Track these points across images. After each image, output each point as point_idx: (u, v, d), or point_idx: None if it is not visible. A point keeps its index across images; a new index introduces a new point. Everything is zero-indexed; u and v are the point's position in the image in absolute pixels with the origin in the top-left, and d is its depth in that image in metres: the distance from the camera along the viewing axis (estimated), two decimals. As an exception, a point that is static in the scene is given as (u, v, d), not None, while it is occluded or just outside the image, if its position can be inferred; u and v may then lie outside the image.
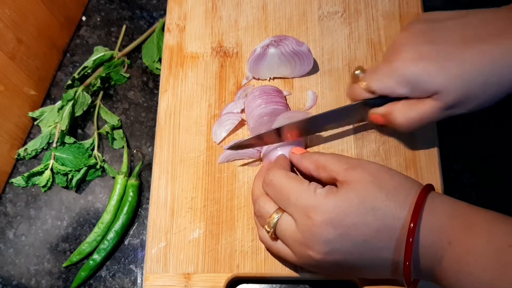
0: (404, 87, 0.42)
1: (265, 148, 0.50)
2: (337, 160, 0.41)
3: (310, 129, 0.48)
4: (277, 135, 0.46)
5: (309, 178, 0.43)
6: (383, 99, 0.44)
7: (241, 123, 0.52)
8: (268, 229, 0.41)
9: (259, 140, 0.47)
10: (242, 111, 0.52)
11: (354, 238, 0.37)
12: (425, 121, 0.42)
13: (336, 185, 0.40)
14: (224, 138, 0.51)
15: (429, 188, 0.38)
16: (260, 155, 0.50)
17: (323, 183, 0.41)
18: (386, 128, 0.51)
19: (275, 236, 0.41)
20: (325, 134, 0.51)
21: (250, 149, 0.50)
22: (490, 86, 0.40)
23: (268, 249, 0.46)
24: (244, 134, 0.52)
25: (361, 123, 0.50)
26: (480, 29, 0.40)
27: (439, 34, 0.41)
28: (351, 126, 0.51)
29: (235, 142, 0.47)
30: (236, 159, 0.51)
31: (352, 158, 0.42)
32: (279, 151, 0.47)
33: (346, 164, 0.40)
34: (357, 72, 0.45)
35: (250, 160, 0.50)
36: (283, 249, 0.41)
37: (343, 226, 0.37)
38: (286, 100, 0.52)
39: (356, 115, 0.47)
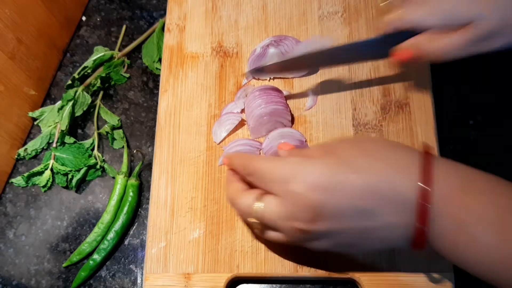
0: (438, 15, 0.41)
1: (264, 144, 0.50)
2: (320, 146, 0.40)
3: (330, 59, 0.47)
4: (300, 62, 0.46)
5: None
6: (408, 35, 0.43)
7: (241, 123, 0.52)
8: (254, 221, 0.39)
9: (281, 66, 0.47)
10: (242, 111, 0.52)
11: (340, 200, 0.35)
12: (457, 49, 0.41)
13: None
14: (224, 138, 0.51)
15: (431, 151, 0.37)
16: (259, 153, 0.50)
17: None
18: (386, 128, 0.51)
19: (263, 226, 0.40)
20: (324, 134, 0.51)
21: (250, 147, 0.50)
22: None
23: (270, 243, 0.45)
24: (244, 134, 0.52)
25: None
26: None
27: None
28: (351, 127, 0.51)
29: (258, 66, 0.48)
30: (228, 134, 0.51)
31: (334, 140, 0.41)
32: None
33: (327, 146, 0.39)
34: (384, 3, 0.44)
35: None
36: (275, 235, 0.40)
37: (323, 188, 0.35)
38: (286, 100, 0.52)
39: (380, 50, 0.46)
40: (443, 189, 0.34)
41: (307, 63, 0.47)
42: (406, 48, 0.43)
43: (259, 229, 0.41)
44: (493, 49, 0.40)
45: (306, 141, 0.51)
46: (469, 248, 0.33)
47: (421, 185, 0.34)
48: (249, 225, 0.44)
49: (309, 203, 0.36)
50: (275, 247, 0.47)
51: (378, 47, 0.45)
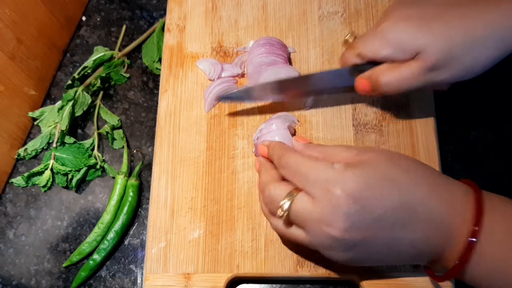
0: (388, 47, 0.42)
1: (255, 136, 0.50)
2: (346, 149, 0.40)
3: (298, 89, 0.48)
4: (265, 91, 0.47)
5: None
6: (370, 66, 0.44)
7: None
8: (280, 213, 0.39)
9: (246, 93, 0.48)
10: (242, 75, 0.54)
11: (375, 211, 0.36)
12: (408, 82, 0.42)
13: None
14: (214, 105, 0.53)
15: (479, 188, 0.38)
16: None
17: None
18: (386, 128, 0.51)
19: (288, 221, 0.40)
20: (324, 134, 0.51)
21: (229, 84, 0.52)
22: (473, 49, 0.39)
23: (282, 237, 0.46)
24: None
25: (351, 94, 0.50)
26: None
27: (427, 2, 0.42)
28: (351, 127, 0.51)
29: (224, 94, 0.49)
30: (221, 102, 0.53)
31: (361, 146, 0.42)
32: (276, 137, 0.48)
33: (356, 150, 0.39)
34: (347, 37, 0.46)
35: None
36: (298, 234, 0.40)
37: (364, 198, 0.36)
38: (289, 55, 0.53)
39: (345, 81, 0.47)
40: (489, 230, 0.35)
41: (272, 92, 0.47)
42: (364, 80, 0.45)
43: (284, 224, 0.40)
44: (443, 81, 0.42)
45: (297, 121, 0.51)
46: (481, 268, 0.35)
47: (473, 227, 0.35)
48: (268, 216, 0.43)
49: (347, 212, 0.35)
50: (275, 246, 0.47)
51: (345, 77, 0.47)
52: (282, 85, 0.47)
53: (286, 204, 0.38)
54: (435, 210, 0.36)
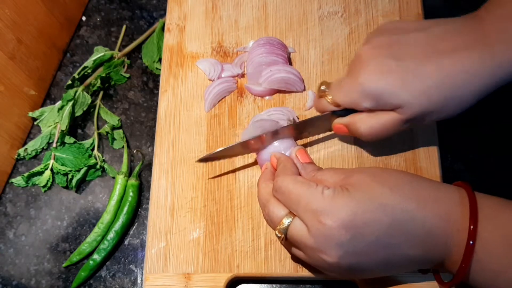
0: (368, 101, 0.42)
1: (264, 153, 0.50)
2: (334, 173, 0.41)
3: (281, 137, 0.48)
4: (245, 146, 0.47)
5: None
6: (348, 111, 0.45)
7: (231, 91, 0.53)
8: (278, 235, 0.40)
9: (229, 152, 0.48)
10: (242, 75, 0.54)
11: (367, 237, 0.37)
12: (386, 131, 0.43)
13: None
14: (214, 105, 0.53)
15: (471, 187, 0.38)
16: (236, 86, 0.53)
17: None
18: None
19: (286, 241, 0.41)
20: (324, 134, 0.51)
21: (230, 84, 0.52)
22: (451, 101, 0.40)
23: (271, 242, 0.47)
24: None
25: (330, 133, 0.50)
26: (441, 43, 0.41)
27: (402, 48, 0.42)
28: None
29: (207, 155, 0.48)
30: (220, 99, 0.53)
31: (348, 169, 0.43)
32: (281, 150, 0.47)
33: (343, 174, 0.40)
34: (322, 87, 0.45)
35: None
36: (297, 253, 0.41)
37: (355, 227, 0.37)
38: (289, 55, 0.53)
39: (325, 125, 0.48)
40: (451, 219, 0.36)
41: (255, 145, 0.48)
42: (342, 125, 0.46)
43: (283, 243, 0.42)
44: (424, 125, 0.43)
45: (297, 118, 0.52)
46: (480, 272, 0.35)
47: (469, 230, 0.36)
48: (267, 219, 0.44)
49: (339, 241, 0.37)
50: (275, 246, 0.47)
51: (324, 122, 0.47)
52: (265, 139, 0.47)
53: (283, 228, 0.40)
54: (428, 224, 0.36)
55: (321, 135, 0.51)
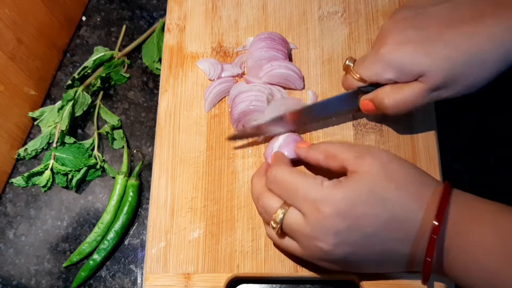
0: (390, 71, 0.42)
1: (269, 148, 0.50)
2: (347, 149, 0.41)
3: (306, 119, 0.48)
4: (273, 125, 0.48)
5: (315, 171, 0.44)
6: (374, 87, 0.45)
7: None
8: (274, 225, 0.40)
9: (256, 130, 0.48)
10: (242, 75, 0.54)
11: (363, 229, 0.37)
12: (412, 103, 0.43)
13: (345, 175, 0.40)
14: (214, 105, 0.53)
15: (450, 186, 0.38)
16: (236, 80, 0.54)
17: (329, 175, 0.41)
18: (386, 128, 0.51)
19: (281, 232, 0.41)
20: (324, 134, 0.51)
21: (229, 84, 0.52)
22: (475, 67, 0.40)
23: (277, 246, 0.46)
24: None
25: (357, 113, 0.50)
26: (463, 12, 0.40)
27: (424, 19, 0.42)
28: (351, 127, 0.51)
29: (236, 133, 0.49)
30: (220, 99, 0.53)
31: (362, 145, 0.43)
32: (284, 150, 0.48)
33: (356, 152, 0.40)
34: (348, 62, 0.45)
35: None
36: (290, 245, 0.41)
37: (352, 217, 0.37)
38: (290, 52, 0.53)
39: (351, 103, 0.48)
40: (455, 223, 0.36)
41: (280, 124, 0.48)
42: (368, 101, 0.45)
43: (278, 234, 0.42)
44: (446, 97, 0.42)
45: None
46: (477, 275, 0.35)
47: (434, 222, 0.36)
48: (264, 223, 0.45)
49: (336, 230, 0.37)
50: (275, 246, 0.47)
51: (349, 100, 0.47)
52: (290, 117, 0.48)
53: (279, 217, 0.40)
54: (428, 226, 0.37)
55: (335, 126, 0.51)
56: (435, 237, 0.35)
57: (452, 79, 0.40)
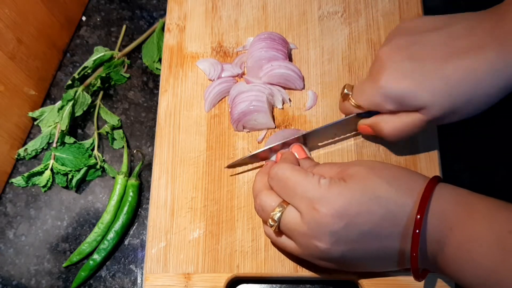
0: (391, 103, 0.42)
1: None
2: (331, 167, 0.42)
3: (305, 144, 0.49)
4: (271, 152, 0.48)
5: None
6: (372, 112, 0.45)
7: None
8: (271, 223, 0.41)
9: (254, 158, 0.49)
10: (242, 75, 0.54)
11: (359, 227, 0.37)
12: (411, 131, 0.43)
13: None
14: (214, 105, 0.53)
15: (436, 180, 0.39)
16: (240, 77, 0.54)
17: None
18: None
19: (279, 230, 0.41)
20: (349, 134, 0.51)
21: (229, 84, 0.53)
22: (475, 99, 0.40)
23: (274, 245, 0.46)
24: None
25: (355, 133, 0.51)
26: (461, 41, 0.40)
27: (421, 49, 0.41)
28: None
29: (235, 162, 0.49)
30: (220, 99, 0.53)
31: (345, 162, 0.43)
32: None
33: (340, 168, 0.41)
34: (346, 91, 0.46)
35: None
36: (288, 243, 0.42)
37: (348, 216, 0.37)
38: (290, 52, 0.54)
39: (349, 127, 0.48)
40: (447, 218, 0.36)
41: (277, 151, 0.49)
42: (366, 126, 0.46)
43: (275, 233, 0.42)
44: (445, 123, 0.43)
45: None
46: (472, 272, 0.35)
47: (417, 216, 0.36)
48: (262, 221, 0.45)
49: (333, 229, 0.38)
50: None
51: (347, 125, 0.48)
52: (287, 144, 0.48)
53: (276, 215, 0.40)
54: (406, 211, 0.37)
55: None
56: (418, 231, 0.36)
57: (452, 112, 0.41)
